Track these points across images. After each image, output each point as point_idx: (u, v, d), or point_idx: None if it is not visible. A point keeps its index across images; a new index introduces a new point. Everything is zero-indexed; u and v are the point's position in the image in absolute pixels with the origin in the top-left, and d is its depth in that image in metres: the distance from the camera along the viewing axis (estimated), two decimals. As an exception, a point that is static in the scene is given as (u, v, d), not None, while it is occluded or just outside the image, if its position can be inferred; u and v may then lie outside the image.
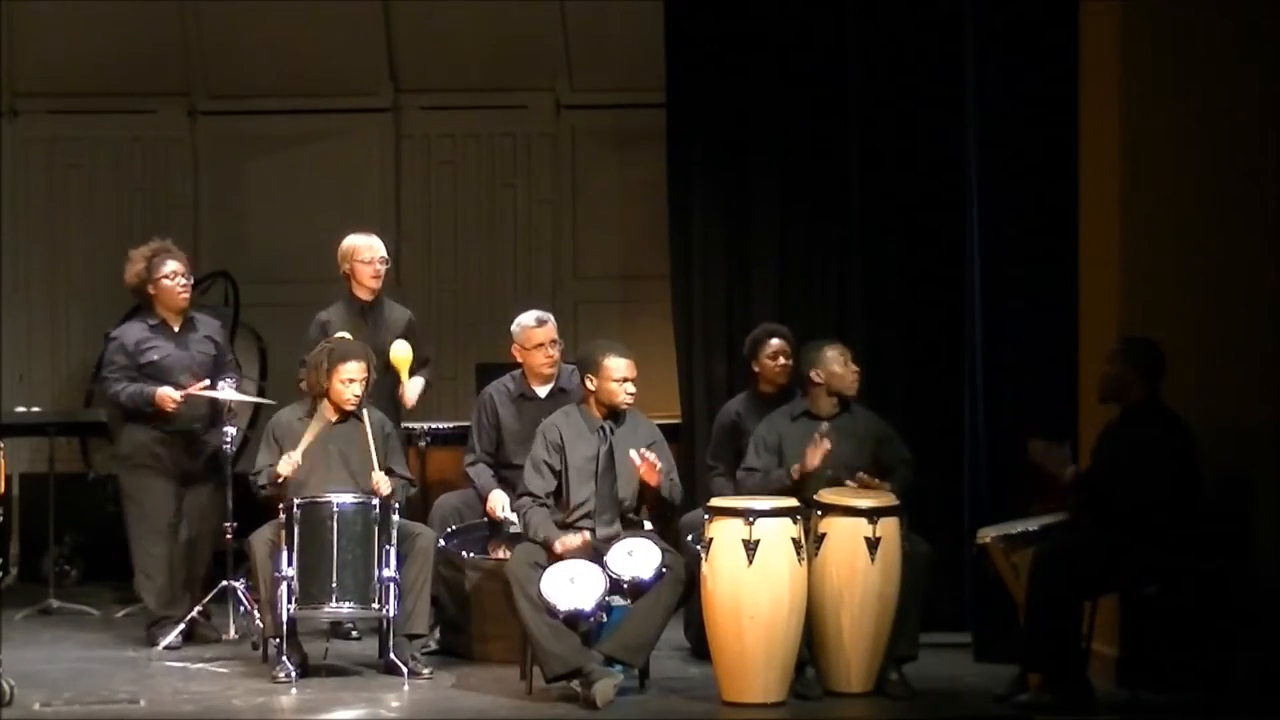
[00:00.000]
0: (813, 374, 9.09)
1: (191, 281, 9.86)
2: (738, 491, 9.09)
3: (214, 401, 9.71)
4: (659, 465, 8.72)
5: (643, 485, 8.79)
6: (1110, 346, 8.56)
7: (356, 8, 12.65)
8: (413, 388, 9.90)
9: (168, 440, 9.72)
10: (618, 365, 8.83)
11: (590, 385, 8.87)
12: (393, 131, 12.89)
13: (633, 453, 8.71)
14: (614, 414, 8.89)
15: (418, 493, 9.65)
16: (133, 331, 9.82)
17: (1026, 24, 9.37)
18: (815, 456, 8.80)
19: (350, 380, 9.15)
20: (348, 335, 9.52)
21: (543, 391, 9.71)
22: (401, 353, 9.84)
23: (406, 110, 12.90)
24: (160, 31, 12.64)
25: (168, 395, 9.58)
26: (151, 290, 9.76)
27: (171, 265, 9.75)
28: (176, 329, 9.80)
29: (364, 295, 10.02)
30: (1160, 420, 8.34)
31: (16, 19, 12.47)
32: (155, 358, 9.72)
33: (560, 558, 8.61)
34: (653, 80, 10.99)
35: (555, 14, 12.62)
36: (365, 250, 10.01)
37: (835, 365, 9.09)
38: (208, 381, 9.67)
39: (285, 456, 9.05)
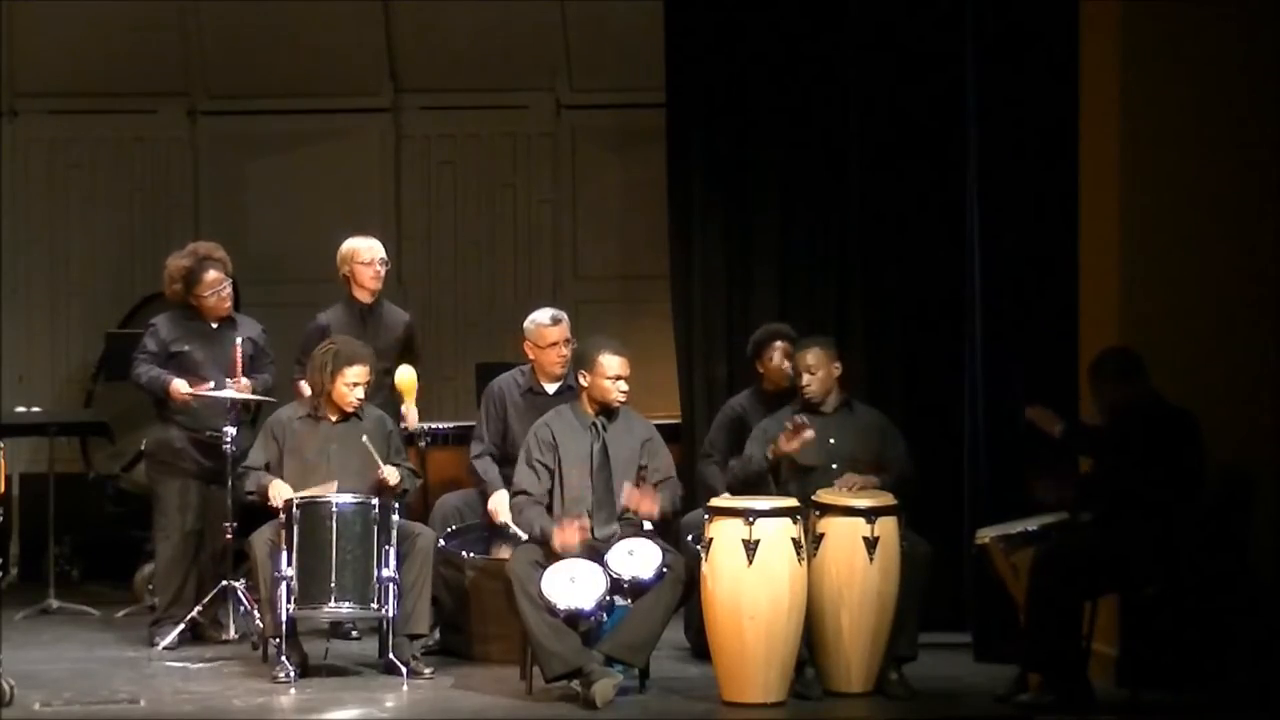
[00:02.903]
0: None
1: (230, 284, 9.88)
2: (727, 482, 9.12)
3: (236, 404, 9.74)
4: (646, 493, 8.73)
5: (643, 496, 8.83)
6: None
7: (356, 8, 12.64)
8: (414, 413, 9.96)
9: (192, 440, 9.77)
10: (611, 363, 8.83)
11: (584, 381, 8.87)
12: (393, 131, 12.88)
13: (626, 488, 8.74)
14: (607, 411, 8.89)
15: (418, 492, 9.65)
16: (169, 324, 9.88)
17: (1026, 25, 9.36)
18: (791, 441, 8.81)
19: (354, 384, 9.17)
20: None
21: (551, 389, 9.71)
22: (406, 378, 9.87)
23: (406, 110, 12.89)
24: (160, 31, 12.63)
25: (179, 388, 9.65)
26: (194, 303, 9.82)
27: (211, 275, 9.78)
28: (214, 326, 9.85)
29: (364, 298, 10.04)
30: (1160, 414, 8.34)
31: (16, 19, 12.46)
32: (185, 348, 9.79)
33: (559, 555, 8.61)
34: (653, 80, 10.98)
35: (555, 14, 12.61)
36: (365, 251, 10.04)
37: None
38: (213, 384, 9.68)
39: (282, 487, 9.04)
